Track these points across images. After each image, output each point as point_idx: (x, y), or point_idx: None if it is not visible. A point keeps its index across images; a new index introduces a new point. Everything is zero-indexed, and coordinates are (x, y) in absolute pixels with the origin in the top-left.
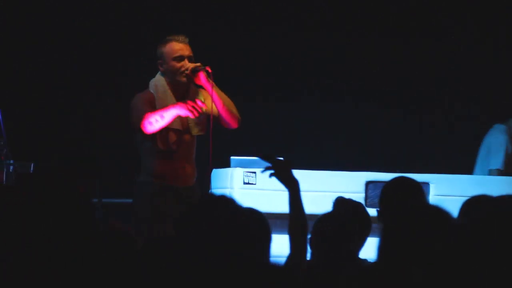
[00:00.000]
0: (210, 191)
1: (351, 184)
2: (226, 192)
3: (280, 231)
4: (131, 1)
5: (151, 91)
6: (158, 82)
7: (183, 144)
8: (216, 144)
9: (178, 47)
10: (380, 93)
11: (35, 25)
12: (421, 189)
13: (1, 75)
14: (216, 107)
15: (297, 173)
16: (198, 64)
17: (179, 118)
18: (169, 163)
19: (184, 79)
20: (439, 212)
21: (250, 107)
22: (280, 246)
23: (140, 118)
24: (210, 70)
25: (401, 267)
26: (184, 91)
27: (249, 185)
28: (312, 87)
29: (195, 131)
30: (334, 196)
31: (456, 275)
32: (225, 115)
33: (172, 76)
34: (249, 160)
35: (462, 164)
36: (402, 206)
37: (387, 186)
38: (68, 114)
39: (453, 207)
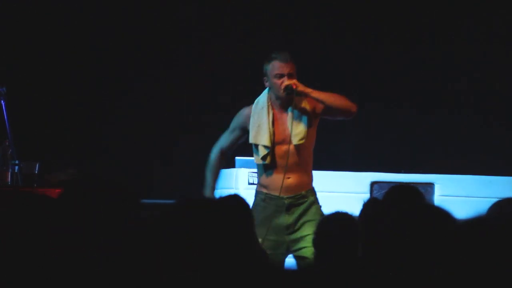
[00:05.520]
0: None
1: (356, 185)
2: (230, 192)
3: None
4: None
5: (253, 105)
6: (261, 97)
7: (283, 156)
8: None
9: (279, 65)
10: (385, 93)
11: (39, 25)
12: (422, 196)
13: (7, 75)
14: (328, 108)
15: None
16: (292, 82)
17: (276, 130)
18: (272, 174)
19: (284, 94)
20: (440, 213)
21: None
22: None
23: (216, 144)
24: (294, 87)
25: (399, 266)
26: (289, 105)
27: (254, 185)
28: (317, 87)
29: (295, 140)
30: (340, 196)
31: (458, 276)
32: (338, 111)
33: (274, 92)
34: (254, 160)
35: (467, 164)
36: (401, 208)
37: (388, 194)
38: (72, 114)
39: (458, 208)
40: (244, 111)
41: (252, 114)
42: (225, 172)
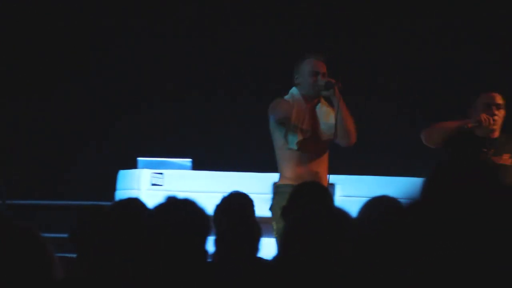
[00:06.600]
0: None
1: (260, 186)
2: (133, 193)
3: None
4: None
5: (288, 97)
6: (294, 92)
7: (315, 149)
8: (123, 145)
9: (315, 63)
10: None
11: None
12: (328, 193)
13: None
14: (340, 121)
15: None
16: (332, 80)
17: (311, 122)
18: (303, 167)
19: (317, 92)
20: (339, 213)
21: (165, 107)
22: None
23: (274, 105)
24: (340, 85)
25: (301, 264)
26: (314, 103)
27: (156, 186)
28: (249, 86)
29: (328, 133)
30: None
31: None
32: (344, 132)
33: (306, 89)
34: (156, 161)
35: (367, 165)
36: (305, 208)
37: (295, 190)
38: None
39: (358, 208)
40: (283, 99)
41: (292, 103)
42: (127, 173)
